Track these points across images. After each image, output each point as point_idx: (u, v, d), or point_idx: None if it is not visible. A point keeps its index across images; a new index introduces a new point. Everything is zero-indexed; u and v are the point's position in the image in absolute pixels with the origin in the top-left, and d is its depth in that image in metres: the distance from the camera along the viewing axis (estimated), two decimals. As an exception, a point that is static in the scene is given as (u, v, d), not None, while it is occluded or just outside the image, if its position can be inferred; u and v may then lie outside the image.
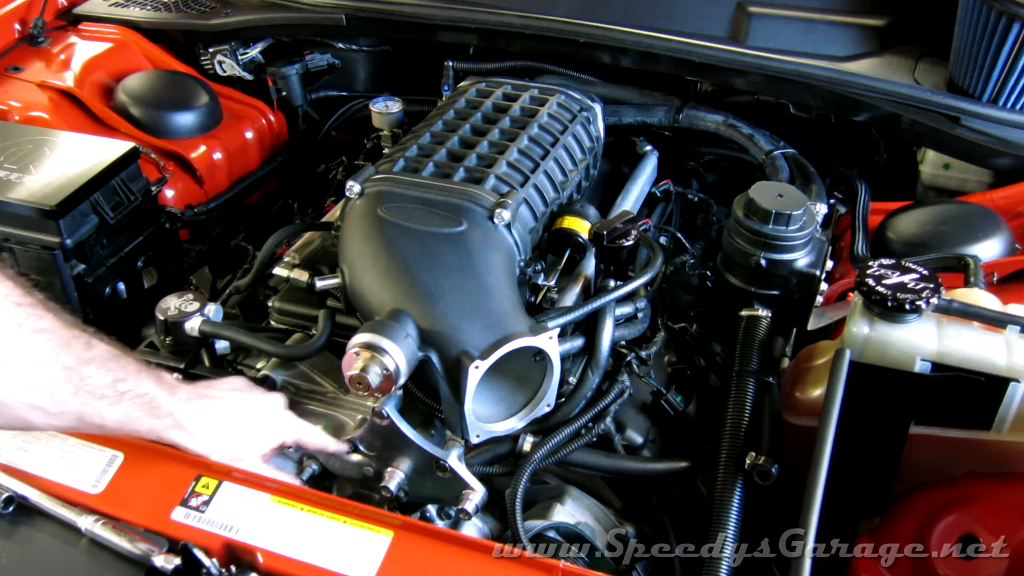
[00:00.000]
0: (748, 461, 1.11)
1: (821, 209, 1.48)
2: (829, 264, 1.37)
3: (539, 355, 1.12)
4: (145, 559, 0.87)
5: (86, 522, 0.90)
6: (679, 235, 1.62)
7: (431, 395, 1.16)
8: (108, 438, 1.01)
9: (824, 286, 1.34)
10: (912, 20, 1.76)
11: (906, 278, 1.03)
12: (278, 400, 1.18)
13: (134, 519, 0.92)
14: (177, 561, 0.85)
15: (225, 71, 2.11)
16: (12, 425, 0.93)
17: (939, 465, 1.05)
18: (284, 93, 2.10)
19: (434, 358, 1.08)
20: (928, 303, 1.00)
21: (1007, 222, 1.43)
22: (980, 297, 1.10)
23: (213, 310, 1.31)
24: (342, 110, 2.18)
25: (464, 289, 1.15)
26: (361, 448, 1.16)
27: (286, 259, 1.40)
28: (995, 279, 1.30)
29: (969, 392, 1.00)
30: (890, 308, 1.00)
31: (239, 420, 1.10)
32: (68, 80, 1.88)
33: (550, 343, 1.10)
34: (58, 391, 0.91)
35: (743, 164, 1.85)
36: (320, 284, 1.30)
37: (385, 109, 1.81)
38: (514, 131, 1.46)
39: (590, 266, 1.38)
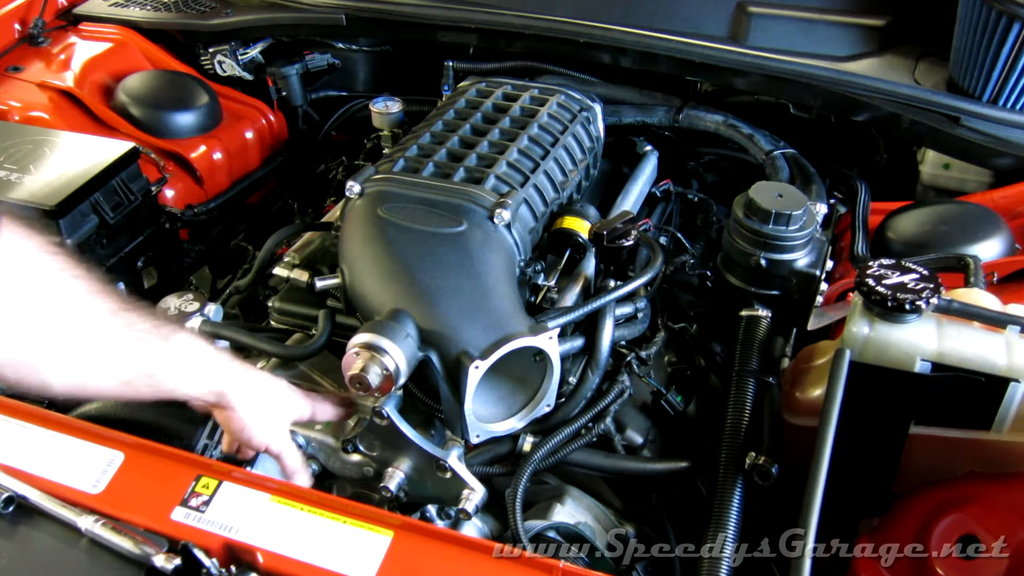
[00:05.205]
0: (748, 461, 1.11)
1: (821, 209, 1.48)
2: (829, 264, 1.37)
3: (539, 355, 1.12)
4: (145, 559, 0.86)
5: (86, 522, 0.90)
6: (679, 235, 1.62)
7: (431, 395, 1.15)
8: (108, 437, 1.01)
9: (824, 286, 1.34)
10: (912, 20, 1.76)
11: (906, 278, 1.03)
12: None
13: (134, 519, 0.91)
14: (177, 561, 0.85)
15: (225, 71, 2.11)
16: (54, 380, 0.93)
17: (939, 465, 1.05)
18: (284, 93, 2.11)
19: (434, 358, 1.08)
20: (928, 303, 1.00)
21: (1007, 222, 1.43)
22: (980, 297, 1.10)
23: (213, 310, 1.31)
24: (342, 110, 2.18)
25: (464, 289, 1.15)
26: (361, 448, 1.16)
27: (286, 259, 1.40)
28: (995, 279, 1.30)
29: (969, 392, 1.00)
30: (890, 308, 1.00)
31: (272, 387, 1.13)
32: (68, 80, 1.89)
33: (550, 343, 1.10)
34: (106, 334, 0.93)
35: (743, 164, 1.85)
36: (320, 284, 1.30)
37: (385, 109, 1.81)
38: (514, 131, 1.45)
39: (590, 266, 1.38)
